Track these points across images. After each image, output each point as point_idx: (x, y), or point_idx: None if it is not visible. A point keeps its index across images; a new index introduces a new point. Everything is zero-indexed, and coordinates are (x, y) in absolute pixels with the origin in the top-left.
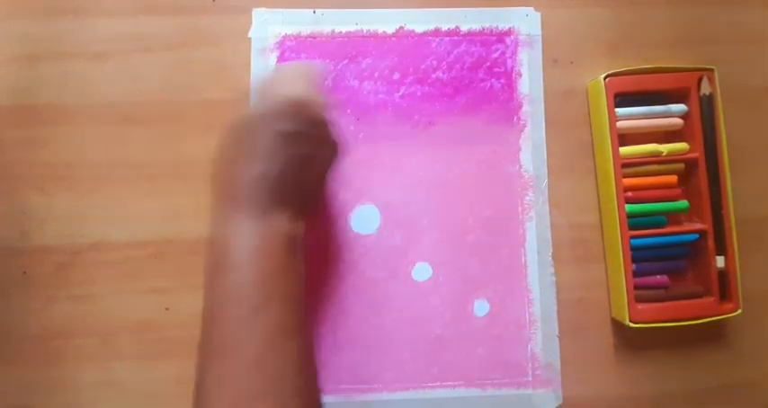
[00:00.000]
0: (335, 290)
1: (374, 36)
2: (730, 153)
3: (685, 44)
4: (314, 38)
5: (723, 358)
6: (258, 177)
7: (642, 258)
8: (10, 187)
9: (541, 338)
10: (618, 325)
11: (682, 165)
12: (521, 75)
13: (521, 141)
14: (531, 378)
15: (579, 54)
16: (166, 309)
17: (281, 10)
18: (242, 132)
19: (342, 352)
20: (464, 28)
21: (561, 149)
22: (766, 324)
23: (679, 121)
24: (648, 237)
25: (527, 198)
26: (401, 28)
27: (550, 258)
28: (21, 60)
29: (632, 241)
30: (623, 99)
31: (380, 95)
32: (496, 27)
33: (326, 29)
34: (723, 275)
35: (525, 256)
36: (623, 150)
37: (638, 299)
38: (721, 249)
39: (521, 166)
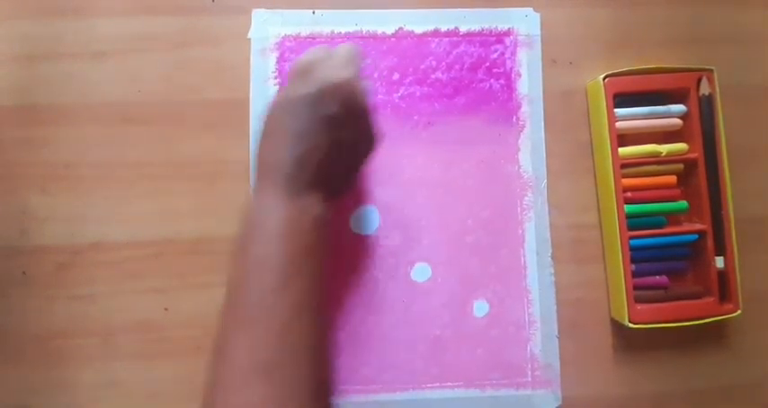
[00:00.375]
0: (335, 291)
1: (373, 36)
2: (729, 153)
3: (685, 44)
4: (313, 38)
5: (723, 358)
6: (299, 157)
7: (641, 258)
8: (10, 187)
9: (541, 338)
10: (617, 326)
11: (681, 166)
12: (520, 76)
13: (520, 141)
14: (530, 379)
15: (578, 54)
16: (166, 309)
17: (280, 10)
18: (287, 111)
19: (341, 353)
20: (463, 28)
21: (560, 149)
22: (766, 325)
23: (678, 122)
24: (648, 238)
25: (526, 198)
26: (400, 28)
27: (550, 258)
28: (21, 60)
29: (631, 241)
30: (622, 99)
31: (380, 96)
32: (496, 27)
33: (326, 29)
34: (723, 275)
35: (524, 256)
36: (622, 150)
37: (638, 300)
38: (721, 249)
39: (520, 166)
